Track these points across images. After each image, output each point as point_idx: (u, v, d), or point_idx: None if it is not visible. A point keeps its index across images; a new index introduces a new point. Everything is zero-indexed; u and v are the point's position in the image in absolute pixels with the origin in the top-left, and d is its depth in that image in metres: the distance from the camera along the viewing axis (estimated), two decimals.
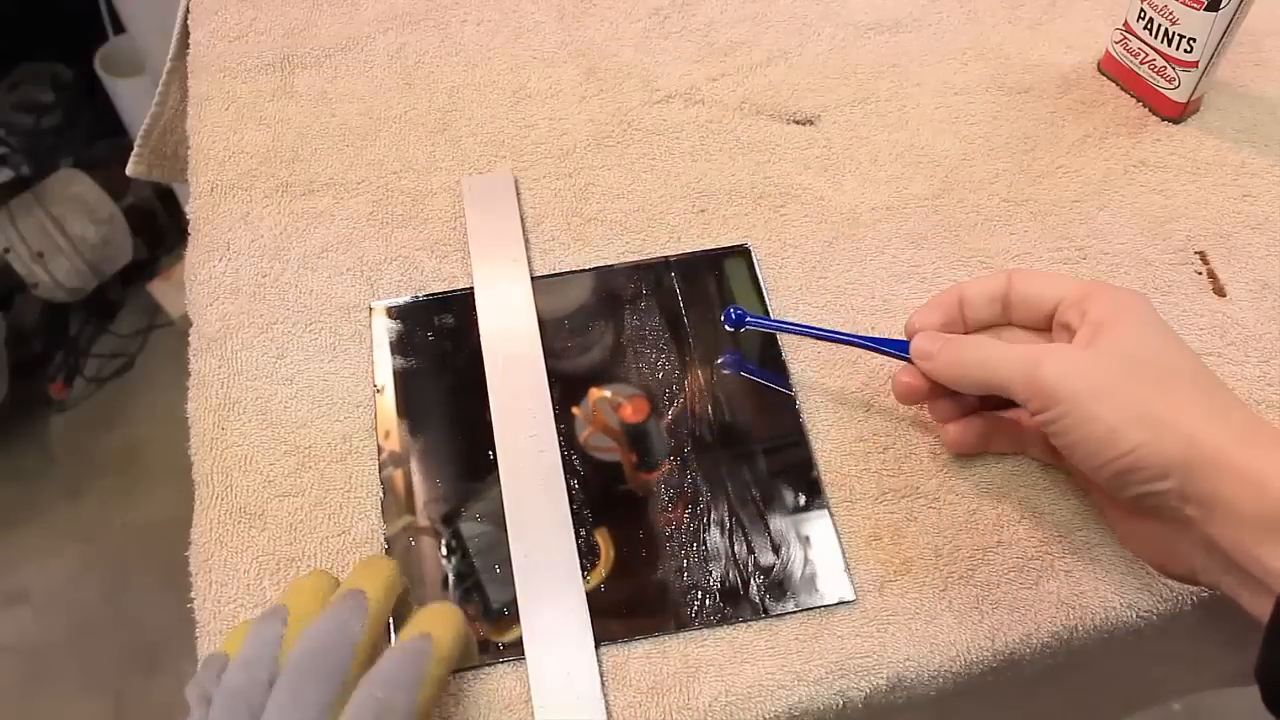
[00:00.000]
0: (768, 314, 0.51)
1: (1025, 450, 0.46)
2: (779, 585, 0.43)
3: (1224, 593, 0.37)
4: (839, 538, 0.44)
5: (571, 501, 0.45)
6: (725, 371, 0.49)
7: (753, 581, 0.43)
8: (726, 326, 0.48)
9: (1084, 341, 0.39)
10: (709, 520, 0.45)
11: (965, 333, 0.44)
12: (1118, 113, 0.58)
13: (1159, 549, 0.39)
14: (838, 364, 0.49)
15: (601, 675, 0.41)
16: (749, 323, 0.47)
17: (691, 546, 0.44)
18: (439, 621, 0.36)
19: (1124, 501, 0.38)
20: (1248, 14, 0.52)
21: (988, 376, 0.40)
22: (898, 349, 0.45)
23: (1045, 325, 0.43)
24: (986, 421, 0.45)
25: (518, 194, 0.55)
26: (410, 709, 0.33)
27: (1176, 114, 0.57)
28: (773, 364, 0.49)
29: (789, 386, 0.48)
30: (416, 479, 0.46)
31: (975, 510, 0.45)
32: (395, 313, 0.51)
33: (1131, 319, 0.39)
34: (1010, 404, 0.43)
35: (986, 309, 0.44)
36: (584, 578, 0.43)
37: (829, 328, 0.47)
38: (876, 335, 0.47)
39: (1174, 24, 0.54)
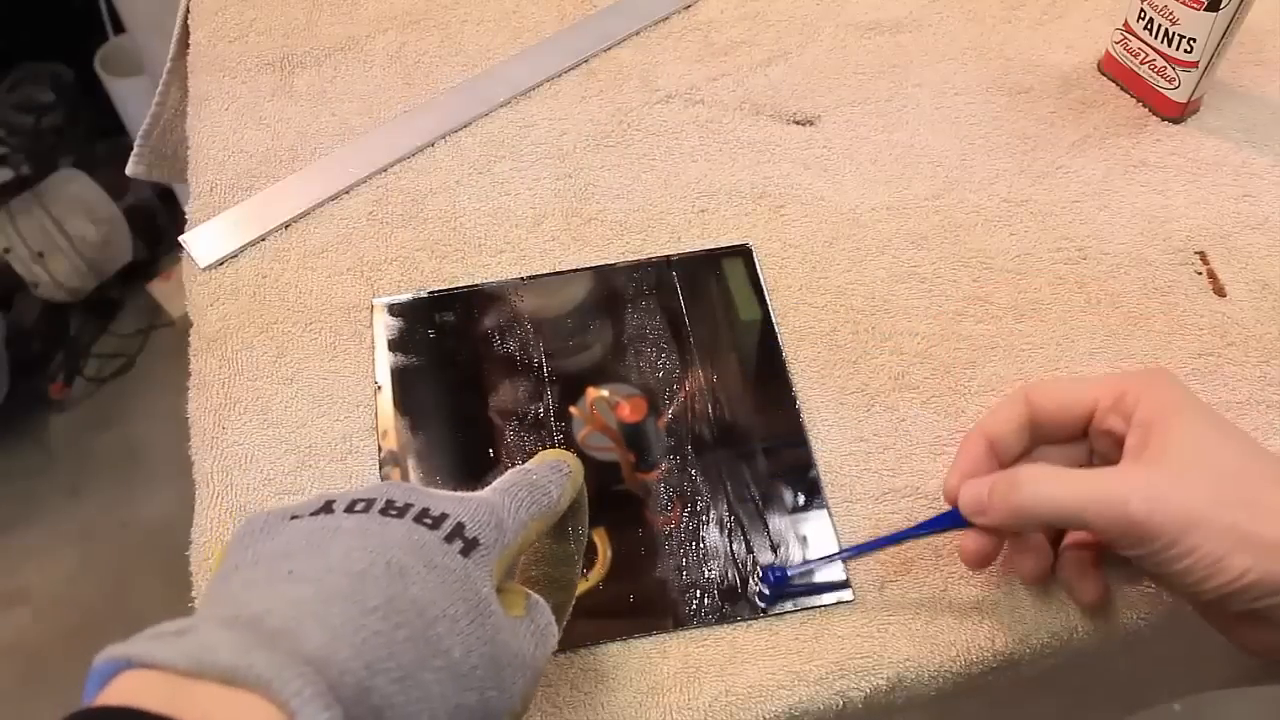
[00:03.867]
0: (768, 313, 0.50)
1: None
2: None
3: None
4: (838, 538, 0.44)
5: None
6: (761, 605, 0.43)
7: (751, 581, 0.43)
8: (764, 589, 0.42)
9: (1136, 447, 0.38)
10: (708, 519, 0.45)
11: None
12: (1118, 113, 0.58)
13: (1273, 646, 0.38)
14: (838, 364, 0.49)
15: (602, 676, 0.41)
16: (791, 577, 0.43)
17: (690, 545, 0.44)
18: (570, 456, 0.37)
19: (1236, 612, 0.37)
20: (1248, 14, 0.52)
21: (1062, 514, 0.37)
22: (951, 521, 0.41)
23: (1079, 436, 0.41)
24: (1079, 563, 0.41)
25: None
26: (553, 498, 0.35)
27: (1176, 114, 0.57)
28: (772, 360, 0.49)
29: (846, 585, 0.43)
30: (416, 477, 0.46)
31: None
32: (396, 310, 0.51)
33: (1183, 415, 0.37)
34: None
35: (1017, 443, 0.41)
36: (582, 577, 0.43)
37: (868, 540, 0.43)
38: (925, 521, 0.42)
39: (1174, 24, 0.54)
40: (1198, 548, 0.34)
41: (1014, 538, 0.41)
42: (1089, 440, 0.41)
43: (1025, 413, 0.41)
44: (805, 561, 0.43)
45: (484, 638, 0.29)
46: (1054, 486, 0.37)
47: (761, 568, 0.43)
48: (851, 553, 0.43)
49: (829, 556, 0.43)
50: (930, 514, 0.45)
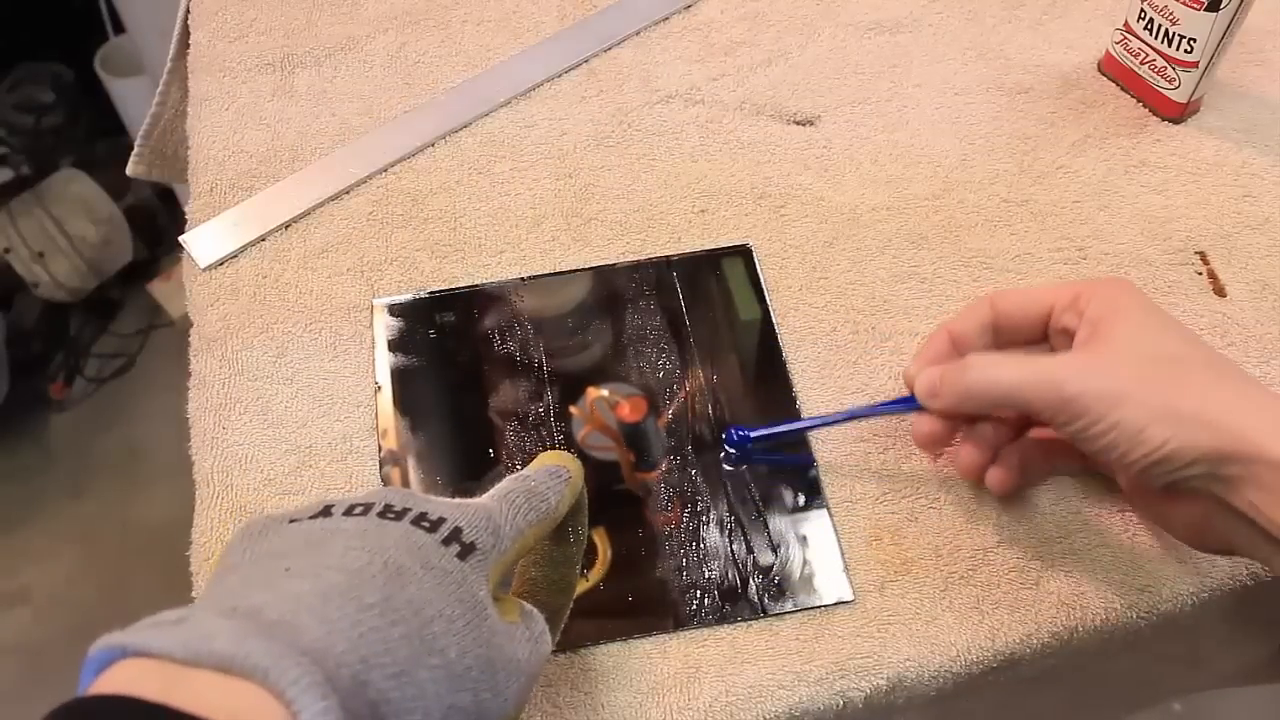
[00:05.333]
0: (768, 313, 0.51)
1: (1057, 468, 0.45)
2: (778, 585, 0.43)
3: (1262, 564, 0.39)
4: (838, 538, 0.44)
5: None
6: (728, 467, 0.46)
7: (752, 581, 0.43)
8: (728, 448, 0.45)
9: (1085, 340, 0.40)
10: (708, 519, 0.45)
11: None
12: (1118, 113, 0.58)
13: (1195, 528, 0.41)
14: (838, 364, 0.49)
15: (603, 675, 0.41)
16: (755, 438, 0.45)
17: (690, 546, 0.44)
18: (571, 460, 0.38)
19: (1158, 489, 0.40)
20: (1248, 14, 0.52)
21: (1004, 398, 0.40)
22: (907, 404, 0.43)
23: (1039, 338, 0.43)
24: (1017, 452, 0.44)
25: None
26: (551, 504, 0.35)
27: (1176, 114, 0.57)
28: (772, 360, 0.49)
29: (811, 461, 0.46)
30: (416, 477, 0.46)
31: (976, 511, 0.45)
32: (396, 310, 0.51)
33: (1129, 311, 0.40)
34: (1023, 425, 0.44)
35: (979, 341, 0.44)
36: (582, 577, 0.43)
37: (831, 414, 0.45)
38: (884, 401, 0.46)
39: (1174, 24, 0.54)
40: (1122, 421, 0.37)
41: (965, 428, 0.43)
42: (1049, 343, 0.43)
43: (988, 314, 0.43)
44: (770, 424, 0.45)
45: (479, 640, 0.29)
46: (998, 369, 0.40)
47: (727, 428, 0.45)
48: (815, 423, 0.45)
49: (794, 426, 0.46)
50: (930, 513, 0.45)
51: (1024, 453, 0.44)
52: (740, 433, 0.45)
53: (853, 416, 0.45)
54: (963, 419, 0.43)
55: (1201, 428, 0.36)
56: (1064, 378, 0.38)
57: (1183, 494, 0.39)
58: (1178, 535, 0.42)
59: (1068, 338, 0.41)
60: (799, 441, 0.47)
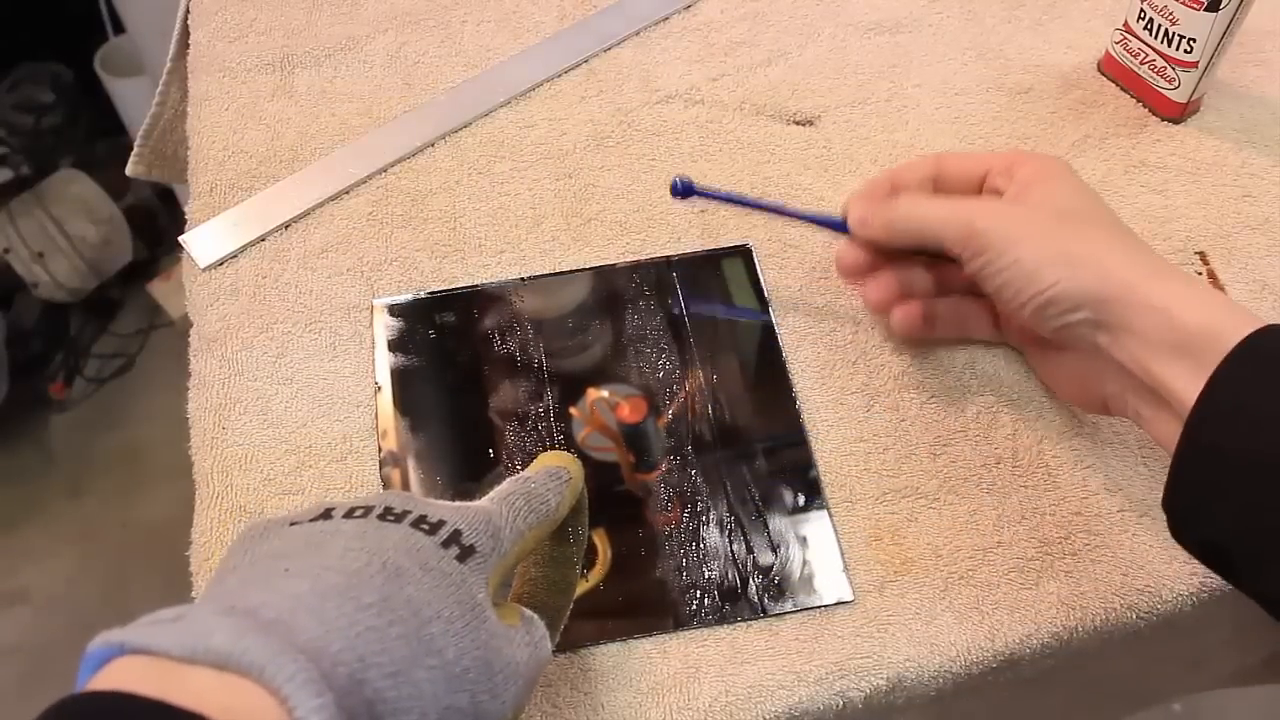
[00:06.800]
0: (768, 313, 0.51)
1: (968, 332, 0.48)
2: (778, 585, 0.43)
3: (1134, 419, 0.41)
4: (838, 538, 0.44)
5: None
6: (675, 196, 0.48)
7: (751, 581, 0.43)
8: (673, 195, 0.48)
9: (1012, 198, 0.43)
10: (708, 520, 0.45)
11: None
12: (1118, 113, 0.58)
13: (1076, 381, 0.44)
14: (838, 364, 0.49)
15: (603, 675, 0.41)
16: (697, 191, 0.48)
17: (690, 546, 0.44)
18: (571, 461, 0.38)
19: (1045, 337, 0.43)
20: (1248, 14, 0.52)
21: (923, 230, 0.43)
22: (838, 225, 0.47)
23: (975, 195, 0.46)
24: (930, 304, 0.47)
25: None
26: (551, 507, 0.36)
27: (1176, 114, 0.57)
28: (772, 360, 0.49)
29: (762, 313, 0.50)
30: (416, 478, 0.46)
31: (976, 511, 0.45)
32: (396, 310, 0.51)
33: (1056, 179, 0.43)
34: (943, 281, 0.47)
35: (918, 189, 0.46)
36: (582, 577, 0.43)
37: (767, 200, 0.50)
38: (822, 214, 0.48)
39: (1174, 24, 0.54)
40: (1020, 259, 0.40)
41: (888, 261, 0.47)
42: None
43: (932, 167, 0.46)
44: (711, 191, 0.49)
45: (478, 642, 0.29)
46: (921, 205, 0.44)
47: (674, 179, 0.48)
48: (749, 202, 0.49)
49: (730, 197, 0.49)
50: (930, 513, 0.45)
51: (939, 304, 0.47)
52: (684, 182, 0.47)
53: (785, 211, 0.49)
54: (887, 254, 0.46)
55: (1090, 272, 0.39)
56: (976, 215, 0.42)
57: (1068, 343, 0.41)
58: (1060, 391, 0.46)
59: (999, 197, 0.44)
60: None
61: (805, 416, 0.48)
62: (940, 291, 0.48)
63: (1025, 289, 0.40)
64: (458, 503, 0.33)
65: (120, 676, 0.24)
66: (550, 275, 0.52)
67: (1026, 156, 0.44)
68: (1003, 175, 0.44)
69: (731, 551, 0.44)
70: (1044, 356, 0.46)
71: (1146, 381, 0.38)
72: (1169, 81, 0.56)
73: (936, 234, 0.43)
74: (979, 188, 0.46)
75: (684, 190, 0.47)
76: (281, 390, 0.49)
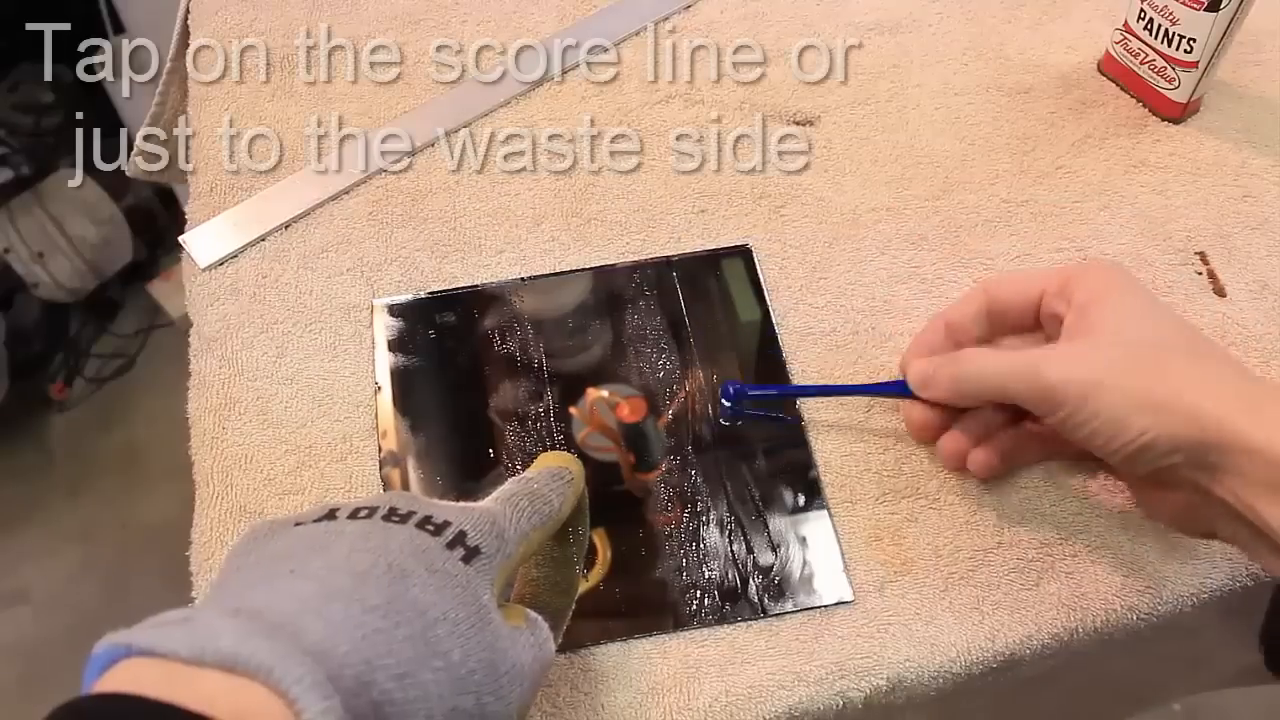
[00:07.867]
0: (768, 313, 0.51)
1: (1052, 455, 0.46)
2: (778, 585, 0.43)
3: (1243, 549, 0.39)
4: (838, 538, 0.44)
5: None
6: (724, 421, 0.47)
7: (751, 581, 0.43)
8: (724, 401, 0.46)
9: (1073, 327, 0.40)
10: (708, 520, 0.45)
11: None
12: (1118, 113, 0.58)
13: (1181, 514, 0.41)
14: (839, 365, 0.49)
15: (603, 676, 0.41)
16: (750, 395, 0.46)
17: (690, 546, 0.44)
18: (572, 461, 0.38)
19: (1143, 476, 0.40)
20: (1248, 14, 0.52)
21: (990, 387, 0.41)
22: (900, 389, 0.44)
23: (1033, 324, 0.44)
24: (1008, 440, 0.44)
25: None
26: (554, 507, 0.35)
27: (1176, 114, 0.57)
28: (772, 360, 0.49)
29: (796, 415, 0.47)
30: (416, 478, 0.46)
31: (976, 511, 0.45)
32: (396, 310, 0.51)
33: (1116, 296, 0.40)
34: (1018, 416, 0.44)
35: (974, 329, 0.44)
36: (582, 577, 0.43)
37: (825, 384, 0.48)
38: (878, 382, 0.47)
39: (1174, 24, 0.54)
40: (1102, 411, 0.37)
41: (957, 418, 0.44)
42: (1043, 329, 0.44)
43: (983, 301, 0.44)
44: (762, 387, 0.47)
45: (483, 643, 0.29)
46: (986, 361, 0.41)
47: (725, 383, 0.46)
48: (809, 389, 0.47)
49: (788, 390, 0.48)
50: (930, 513, 0.45)
51: (1015, 440, 0.44)
52: (735, 387, 0.46)
53: (845, 390, 0.47)
54: (954, 409, 0.44)
55: (1180, 417, 0.36)
56: (1044, 368, 0.38)
57: (1168, 481, 0.39)
58: (1166, 522, 0.43)
59: (1058, 323, 0.42)
60: (787, 405, 0.48)
61: (805, 417, 0.47)
62: (1018, 416, 0.44)
63: (1112, 440, 0.37)
64: (462, 503, 0.33)
65: (128, 678, 0.24)
66: (550, 275, 0.52)
67: (1080, 271, 0.41)
68: (1058, 297, 0.42)
69: (731, 551, 0.44)
70: (1147, 493, 0.42)
71: (1253, 520, 0.36)
72: (1169, 81, 0.56)
73: (1005, 392, 0.40)
74: (1035, 313, 0.43)
75: (736, 397, 0.46)
76: (281, 390, 0.49)
